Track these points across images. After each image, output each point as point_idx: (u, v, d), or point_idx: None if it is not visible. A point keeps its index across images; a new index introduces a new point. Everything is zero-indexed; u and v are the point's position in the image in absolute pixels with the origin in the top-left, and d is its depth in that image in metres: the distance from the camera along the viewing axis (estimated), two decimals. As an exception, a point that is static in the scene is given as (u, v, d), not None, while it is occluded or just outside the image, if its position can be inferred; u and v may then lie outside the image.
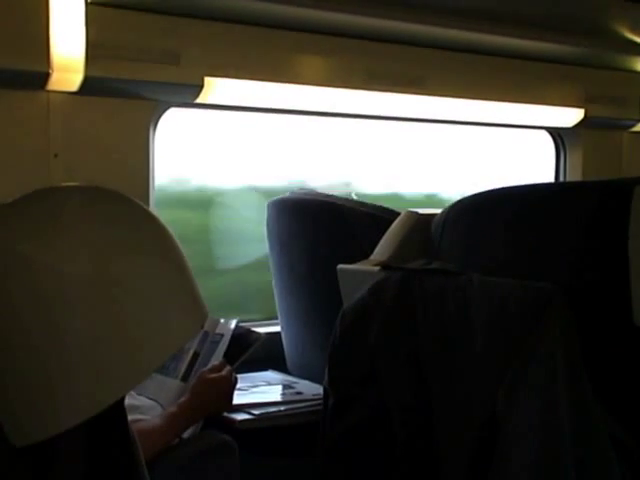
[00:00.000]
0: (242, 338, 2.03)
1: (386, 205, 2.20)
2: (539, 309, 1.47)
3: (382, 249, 1.99)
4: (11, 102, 2.05)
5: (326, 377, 1.84)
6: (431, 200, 3.12)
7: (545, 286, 1.48)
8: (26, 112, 2.07)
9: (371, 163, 2.98)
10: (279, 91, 2.41)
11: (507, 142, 3.25)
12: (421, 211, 2.01)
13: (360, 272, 1.91)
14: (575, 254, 1.56)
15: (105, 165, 2.16)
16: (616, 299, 1.47)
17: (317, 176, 2.86)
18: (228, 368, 1.92)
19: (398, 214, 2.05)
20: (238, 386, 1.96)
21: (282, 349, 2.47)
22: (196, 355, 1.99)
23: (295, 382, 2.28)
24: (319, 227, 2.28)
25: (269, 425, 2.01)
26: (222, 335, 2.00)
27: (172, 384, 1.95)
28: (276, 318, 2.52)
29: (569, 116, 2.99)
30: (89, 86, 2.08)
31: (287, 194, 2.44)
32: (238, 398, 1.98)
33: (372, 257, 1.98)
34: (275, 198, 2.44)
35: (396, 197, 3.05)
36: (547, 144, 3.23)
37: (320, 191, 2.40)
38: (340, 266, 1.97)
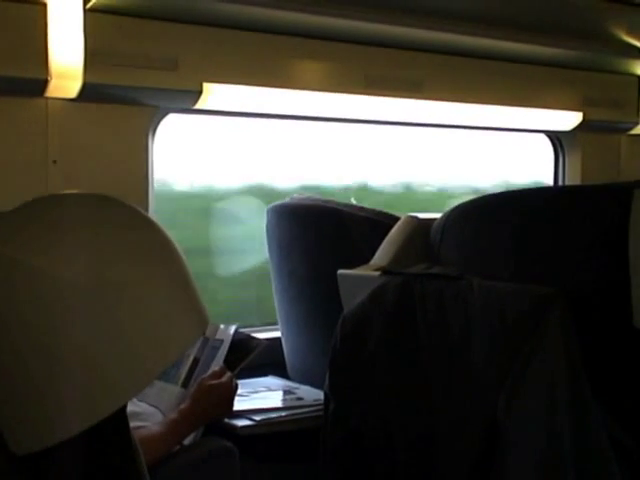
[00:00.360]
0: (242, 344, 2.02)
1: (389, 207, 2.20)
2: (539, 312, 1.47)
3: (382, 254, 1.98)
4: (10, 109, 2.05)
5: (327, 382, 1.84)
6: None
7: (545, 289, 1.48)
8: (25, 119, 2.08)
9: (371, 165, 2.99)
10: (278, 96, 2.41)
11: (506, 146, 3.26)
12: (421, 216, 2.01)
13: (360, 277, 1.91)
14: (576, 257, 1.56)
15: (104, 171, 2.16)
16: (616, 302, 1.47)
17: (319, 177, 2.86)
18: (228, 374, 1.91)
19: (398, 219, 2.05)
20: (239, 392, 1.96)
21: (282, 354, 2.47)
22: (196, 361, 1.99)
23: (296, 387, 2.28)
24: (319, 232, 2.28)
25: (270, 431, 2.00)
26: (222, 341, 2.00)
27: (172, 390, 1.95)
28: (276, 323, 2.52)
29: (567, 119, 3.00)
30: (88, 93, 2.08)
31: (287, 199, 2.44)
32: (239, 404, 1.98)
33: (372, 262, 1.98)
34: (275, 203, 2.44)
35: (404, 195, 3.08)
36: (545, 147, 3.23)
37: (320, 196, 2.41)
38: (340, 271, 1.97)
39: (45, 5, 2.00)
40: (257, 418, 1.99)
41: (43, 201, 1.06)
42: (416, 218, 2.00)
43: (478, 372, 1.52)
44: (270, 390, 2.27)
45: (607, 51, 2.81)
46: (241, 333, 2.06)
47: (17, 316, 0.96)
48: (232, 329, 2.03)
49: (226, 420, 1.95)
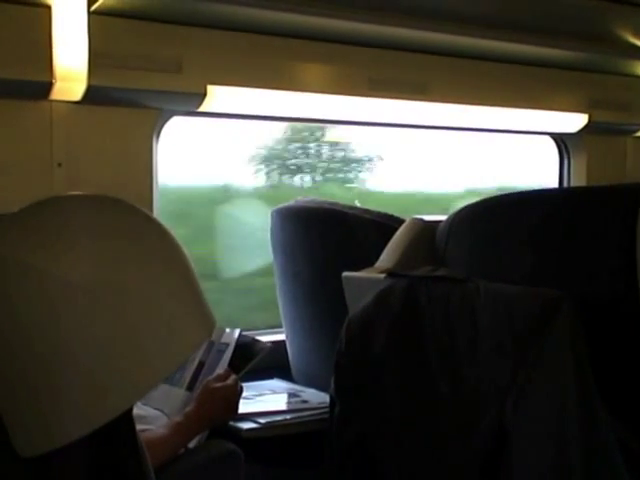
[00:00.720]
0: (247, 347, 2.02)
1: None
2: (546, 316, 1.46)
3: (387, 256, 1.98)
4: (14, 112, 2.05)
5: (332, 385, 1.83)
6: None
7: (552, 292, 1.48)
8: (29, 122, 2.08)
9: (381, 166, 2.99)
10: (282, 99, 2.40)
11: (511, 148, 3.25)
12: (426, 218, 2.00)
13: (365, 280, 1.91)
14: (583, 259, 1.55)
15: (108, 174, 2.16)
16: (625, 304, 1.46)
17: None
18: (233, 377, 1.91)
19: (403, 221, 2.05)
20: (243, 395, 1.95)
21: (287, 357, 2.46)
22: (201, 364, 1.99)
23: (301, 390, 2.27)
24: (324, 235, 2.28)
25: (275, 434, 2.00)
26: (227, 344, 2.00)
27: (177, 393, 1.94)
28: (281, 326, 2.51)
29: (573, 121, 2.99)
30: (92, 95, 2.08)
31: (291, 202, 2.44)
32: (244, 407, 1.97)
33: (377, 264, 1.98)
34: (279, 206, 2.44)
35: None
36: (551, 149, 3.22)
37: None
38: (345, 274, 1.96)
39: (49, 8, 2.00)
40: (262, 421, 1.99)
41: (48, 203, 1.05)
42: (422, 220, 2.00)
43: (485, 375, 1.51)
44: (275, 393, 2.26)
45: (613, 53, 2.80)
46: (246, 336, 2.06)
47: (23, 318, 0.96)
48: (236, 333, 2.02)
49: (231, 423, 1.95)
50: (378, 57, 2.53)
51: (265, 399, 2.18)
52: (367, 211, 2.21)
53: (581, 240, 1.56)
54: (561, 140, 3.19)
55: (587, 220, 1.56)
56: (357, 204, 2.49)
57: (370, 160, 3.24)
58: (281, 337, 2.48)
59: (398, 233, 2.02)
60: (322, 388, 2.08)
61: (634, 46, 2.80)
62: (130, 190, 2.16)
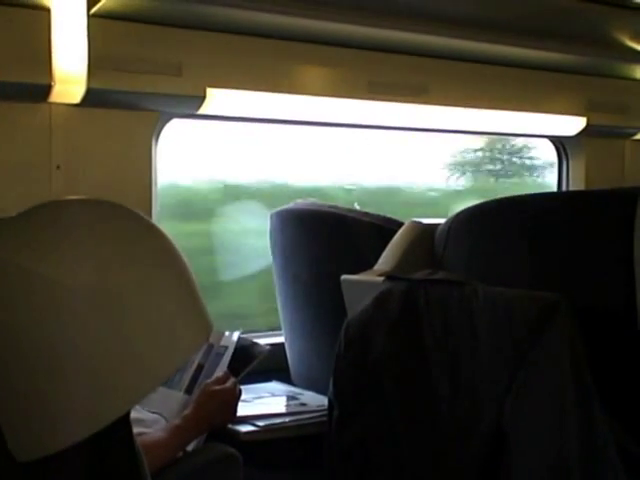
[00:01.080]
0: (246, 350, 2.02)
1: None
2: (544, 318, 1.46)
3: (386, 259, 1.98)
4: (13, 114, 2.05)
5: (331, 388, 1.84)
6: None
7: (550, 295, 1.48)
8: (28, 124, 2.08)
9: (371, 167, 2.99)
10: (281, 102, 2.41)
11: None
12: (425, 221, 2.01)
13: (364, 282, 1.91)
14: (579, 262, 1.56)
15: (107, 177, 2.16)
16: (622, 307, 1.47)
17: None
18: (232, 380, 1.91)
19: (402, 224, 2.05)
20: (242, 397, 1.95)
21: (286, 360, 2.46)
22: (200, 367, 1.98)
23: (299, 393, 2.27)
24: (323, 237, 2.28)
25: (273, 437, 2.00)
26: (226, 347, 2.00)
27: (176, 396, 1.94)
28: (280, 329, 2.51)
29: (571, 124, 2.99)
30: (91, 98, 2.08)
31: (291, 204, 2.44)
32: (242, 409, 1.97)
33: (376, 267, 1.98)
34: (279, 209, 2.44)
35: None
36: (550, 152, 3.23)
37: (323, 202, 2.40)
38: (344, 276, 1.96)
39: (49, 10, 2.00)
40: (261, 424, 1.99)
41: (47, 207, 1.06)
42: (420, 223, 2.00)
43: (484, 378, 1.52)
44: (274, 396, 2.26)
45: (611, 56, 2.81)
46: (245, 339, 2.06)
47: (21, 322, 0.96)
48: (235, 335, 2.02)
49: (229, 426, 1.95)
50: (377, 60, 2.53)
51: (264, 402, 2.18)
52: (366, 214, 2.21)
53: (578, 245, 1.56)
54: (560, 143, 3.19)
55: (585, 225, 1.57)
56: (356, 207, 2.49)
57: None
58: (280, 340, 2.48)
59: (397, 236, 2.02)
60: (321, 391, 2.08)
61: (632, 49, 2.80)
62: (129, 193, 2.16)
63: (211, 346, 2.01)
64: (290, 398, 2.24)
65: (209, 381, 1.91)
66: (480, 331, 1.54)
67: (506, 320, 1.50)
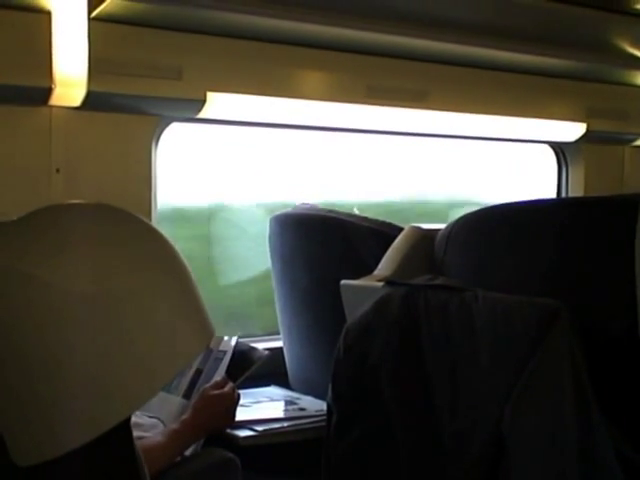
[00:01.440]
0: (245, 355, 2.02)
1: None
2: (544, 325, 1.46)
3: (385, 265, 1.98)
4: (14, 117, 2.05)
5: (330, 394, 1.83)
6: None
7: (550, 302, 1.48)
8: (28, 127, 2.08)
9: (373, 176, 2.98)
10: (281, 106, 2.41)
11: (510, 156, 3.26)
12: (424, 226, 2.00)
13: (363, 288, 1.90)
14: (580, 270, 1.56)
15: (107, 180, 2.16)
16: (622, 314, 1.46)
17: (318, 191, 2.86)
18: (230, 384, 1.91)
19: (401, 229, 2.05)
20: (240, 402, 1.95)
21: (284, 364, 2.46)
22: (199, 372, 1.98)
23: (298, 398, 2.27)
24: (322, 242, 2.27)
25: (272, 441, 1.99)
26: (225, 352, 2.00)
27: (174, 401, 1.94)
28: (278, 333, 2.51)
29: (571, 130, 2.99)
30: (91, 101, 2.08)
31: (290, 209, 2.44)
32: (241, 414, 1.97)
33: (375, 273, 1.97)
34: (278, 213, 2.44)
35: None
36: (550, 158, 3.23)
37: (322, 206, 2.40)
38: (343, 282, 1.96)
39: (49, 14, 2.00)
40: (259, 429, 1.98)
41: (47, 211, 1.06)
42: (420, 229, 2.00)
43: (483, 385, 1.51)
44: (272, 400, 2.26)
45: (611, 62, 2.81)
46: (243, 344, 2.06)
47: (20, 327, 0.96)
48: (234, 340, 2.02)
49: (228, 430, 1.94)
50: (376, 65, 2.53)
51: (262, 406, 2.18)
52: (366, 219, 2.21)
53: (578, 252, 1.56)
54: (559, 149, 3.19)
55: (585, 232, 1.56)
56: (356, 212, 2.49)
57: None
58: (279, 344, 2.48)
59: (396, 241, 2.01)
60: (319, 396, 2.08)
61: (632, 56, 2.81)
62: (129, 196, 2.16)
63: (210, 351, 2.01)
64: (288, 403, 2.24)
65: (207, 385, 1.90)
66: (480, 337, 1.54)
67: (506, 327, 1.49)
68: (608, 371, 1.49)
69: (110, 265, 1.00)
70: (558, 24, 2.53)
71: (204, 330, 1.07)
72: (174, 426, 1.80)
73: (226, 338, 2.04)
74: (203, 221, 2.75)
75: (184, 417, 1.82)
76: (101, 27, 2.04)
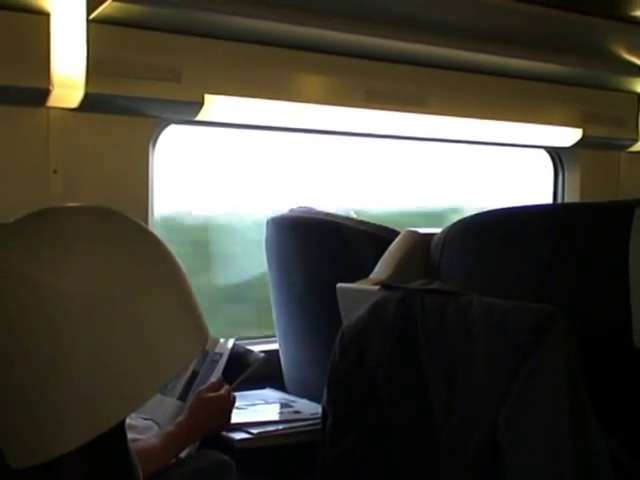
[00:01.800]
0: (241, 357, 2.02)
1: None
2: (540, 330, 1.46)
3: (382, 268, 1.98)
4: (11, 118, 2.05)
5: (325, 397, 1.83)
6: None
7: (545, 307, 1.48)
8: (26, 128, 2.08)
9: (368, 181, 2.98)
10: (279, 109, 2.41)
11: (506, 161, 3.26)
12: (421, 230, 2.01)
13: (360, 291, 1.91)
14: (574, 276, 1.56)
15: (105, 181, 2.16)
16: (617, 321, 1.47)
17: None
18: (226, 387, 1.91)
19: (398, 233, 2.05)
20: (236, 404, 1.95)
21: (280, 367, 2.46)
22: (195, 374, 1.98)
23: (293, 401, 2.27)
24: (318, 245, 2.28)
25: (267, 444, 1.99)
26: (221, 354, 2.00)
27: (170, 403, 1.94)
28: (274, 336, 2.51)
29: (567, 136, 3.00)
30: (89, 103, 2.08)
31: (287, 212, 2.44)
32: (236, 417, 1.97)
33: (372, 276, 1.98)
34: (274, 215, 2.44)
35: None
36: (546, 163, 3.24)
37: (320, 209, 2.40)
38: (339, 285, 1.96)
39: (48, 15, 2.00)
40: (254, 431, 1.98)
41: (44, 214, 1.06)
42: (416, 233, 2.00)
43: (479, 389, 1.52)
44: (268, 403, 2.26)
45: (607, 68, 2.82)
46: (239, 346, 2.06)
47: (19, 329, 0.96)
48: (230, 342, 2.02)
49: (223, 433, 1.94)
50: (375, 69, 2.54)
51: (258, 409, 2.18)
52: (362, 222, 2.21)
53: (574, 257, 1.56)
54: (556, 154, 3.20)
55: (580, 237, 1.57)
56: (353, 215, 2.50)
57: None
58: (274, 347, 2.48)
59: (393, 245, 2.02)
60: (315, 399, 2.08)
61: (628, 62, 2.82)
62: (127, 198, 2.16)
63: (206, 353, 2.01)
64: (284, 406, 2.24)
65: (203, 388, 1.90)
66: (476, 342, 1.54)
67: (502, 331, 1.50)
68: (603, 376, 1.49)
69: (107, 268, 1.00)
70: (555, 30, 2.54)
71: (200, 332, 1.08)
72: (169, 428, 1.80)
73: (222, 341, 2.04)
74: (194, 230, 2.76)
75: (179, 419, 1.82)
76: (100, 29, 2.04)
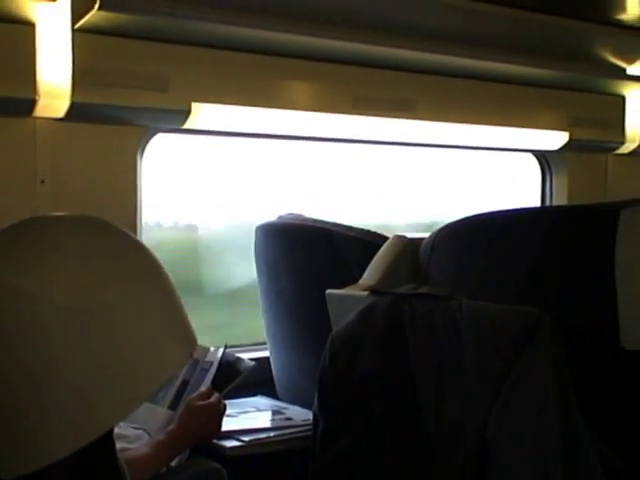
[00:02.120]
0: (231, 366, 2.02)
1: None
2: (528, 333, 1.47)
3: (371, 274, 1.98)
4: (-3, 128, 2.05)
5: (316, 403, 1.83)
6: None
7: (534, 310, 1.49)
8: (12, 138, 2.07)
9: (357, 189, 2.98)
10: (266, 116, 2.41)
11: (494, 165, 3.28)
12: (409, 235, 2.01)
13: (349, 297, 1.91)
14: (561, 278, 1.57)
15: (92, 191, 2.16)
16: (604, 322, 1.47)
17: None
18: (216, 395, 1.90)
19: (386, 238, 2.06)
20: (227, 412, 1.94)
21: (271, 374, 2.46)
22: (185, 383, 1.98)
23: (284, 408, 2.27)
24: (307, 251, 2.28)
25: (259, 451, 1.99)
26: (211, 363, 1.99)
27: (160, 412, 1.93)
28: (264, 343, 2.51)
29: (554, 139, 3.02)
30: (76, 112, 2.08)
31: (275, 218, 2.44)
32: (227, 424, 1.96)
33: (361, 282, 1.98)
34: (263, 222, 2.44)
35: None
36: (533, 167, 3.25)
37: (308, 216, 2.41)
38: (329, 291, 1.97)
39: (33, 25, 2.00)
40: (246, 439, 1.98)
41: (31, 223, 1.06)
42: (404, 238, 2.01)
43: (468, 392, 1.52)
44: (259, 410, 2.26)
45: (593, 72, 2.84)
46: (230, 355, 2.05)
47: (9, 339, 0.96)
48: (220, 351, 2.02)
49: (214, 441, 1.94)
50: (362, 75, 2.54)
51: (249, 416, 2.18)
52: (351, 228, 2.21)
53: (560, 260, 1.57)
54: (543, 157, 3.22)
55: (567, 240, 1.57)
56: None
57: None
58: (265, 354, 2.47)
59: (381, 250, 2.02)
60: (306, 405, 2.08)
61: (614, 65, 2.84)
62: (115, 207, 2.16)
63: (196, 362, 2.00)
64: (275, 412, 2.24)
65: (193, 396, 1.90)
66: (464, 346, 1.55)
67: (490, 335, 1.50)
68: (591, 377, 1.50)
69: (93, 276, 1.00)
70: (541, 34, 2.56)
71: (187, 340, 1.08)
72: (160, 437, 1.79)
73: (212, 349, 2.04)
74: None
75: (170, 428, 1.82)
76: (85, 38, 2.04)
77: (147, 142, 2.32)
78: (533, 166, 3.25)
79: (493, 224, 1.76)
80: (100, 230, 1.07)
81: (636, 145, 3.21)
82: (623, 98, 3.14)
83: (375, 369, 1.73)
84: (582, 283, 1.53)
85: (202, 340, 1.21)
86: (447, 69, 2.64)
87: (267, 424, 2.13)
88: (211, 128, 2.41)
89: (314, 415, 1.84)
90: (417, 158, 3.07)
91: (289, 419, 2.16)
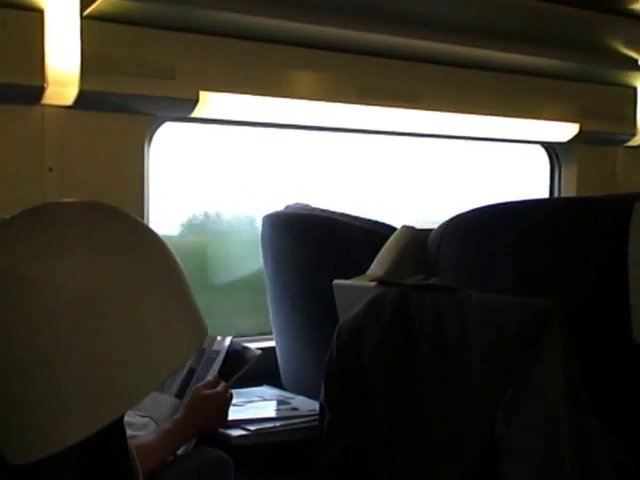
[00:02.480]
0: (238, 355, 2.01)
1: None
2: (538, 326, 1.45)
3: (378, 264, 1.98)
4: (6, 116, 2.04)
5: (322, 394, 1.83)
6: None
7: (544, 303, 1.47)
8: (21, 126, 2.07)
9: (363, 178, 2.97)
10: (274, 105, 2.41)
11: (502, 156, 3.26)
12: (418, 226, 2.00)
13: (356, 287, 1.90)
14: (575, 271, 1.55)
15: (100, 179, 2.16)
16: (615, 316, 1.46)
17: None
18: (223, 384, 1.90)
19: (394, 229, 2.05)
20: (233, 401, 1.95)
21: (277, 364, 2.46)
22: (192, 372, 1.98)
23: (290, 398, 2.27)
24: (315, 242, 2.27)
25: (264, 441, 1.99)
26: (218, 352, 2.00)
27: (167, 401, 1.94)
28: (271, 333, 2.51)
29: (564, 131, 3.00)
30: (84, 100, 2.08)
31: (282, 208, 2.44)
32: (233, 414, 1.97)
33: (368, 272, 1.97)
34: (270, 212, 2.44)
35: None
36: (542, 159, 3.23)
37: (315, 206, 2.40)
38: (336, 281, 1.96)
39: (42, 12, 2.00)
40: (251, 428, 1.98)
41: (40, 210, 1.05)
42: (413, 228, 2.00)
43: (476, 386, 1.51)
44: (265, 400, 2.25)
45: (604, 63, 2.82)
46: (236, 344, 2.05)
47: (13, 326, 0.96)
48: (228, 340, 2.02)
49: (220, 430, 1.94)
50: (369, 65, 2.53)
51: (255, 406, 2.17)
52: (358, 218, 2.20)
53: (571, 253, 1.56)
54: (552, 149, 3.20)
55: (578, 232, 1.56)
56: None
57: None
58: (271, 344, 2.47)
59: (390, 241, 2.01)
60: (312, 395, 2.07)
61: (625, 56, 2.81)
62: (122, 196, 2.16)
63: (203, 351, 2.00)
64: (281, 402, 2.24)
65: (199, 385, 1.90)
66: (473, 338, 1.53)
67: (499, 327, 1.49)
68: (602, 373, 1.48)
69: (103, 264, 0.99)
70: (552, 24, 2.54)
71: (198, 329, 1.07)
72: (166, 425, 1.79)
73: (219, 338, 2.04)
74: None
75: (176, 416, 1.82)
76: (94, 26, 2.04)
77: (155, 130, 2.31)
78: (541, 159, 3.24)
79: (502, 215, 1.75)
80: (110, 216, 1.07)
81: (647, 137, 3.19)
82: (635, 90, 3.12)
83: (382, 360, 1.72)
84: (593, 276, 1.52)
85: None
86: (455, 59, 2.63)
87: (273, 414, 2.13)
88: (218, 117, 2.40)
89: (320, 406, 1.84)
90: (426, 150, 3.05)
91: (295, 409, 2.16)
